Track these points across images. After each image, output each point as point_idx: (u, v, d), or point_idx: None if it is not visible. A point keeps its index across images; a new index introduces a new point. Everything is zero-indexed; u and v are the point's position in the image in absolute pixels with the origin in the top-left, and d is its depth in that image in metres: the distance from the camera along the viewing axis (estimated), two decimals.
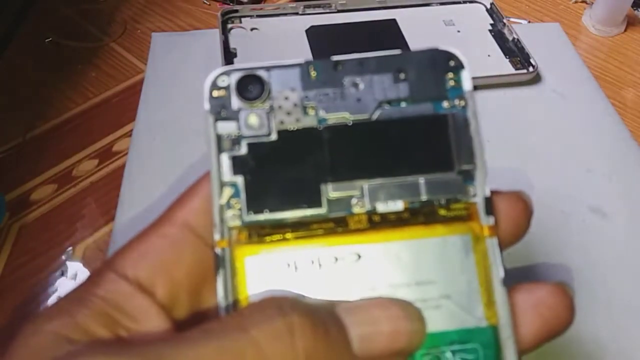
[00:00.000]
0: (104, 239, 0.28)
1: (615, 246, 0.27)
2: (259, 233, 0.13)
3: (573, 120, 0.33)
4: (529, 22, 0.39)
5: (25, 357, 0.11)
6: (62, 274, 0.27)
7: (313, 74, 0.14)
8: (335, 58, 0.14)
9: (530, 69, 0.34)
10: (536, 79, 0.35)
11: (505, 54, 0.36)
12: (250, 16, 0.38)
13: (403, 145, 0.14)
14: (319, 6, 0.38)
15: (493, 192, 0.14)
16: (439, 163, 0.14)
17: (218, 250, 0.13)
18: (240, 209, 0.13)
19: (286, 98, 0.14)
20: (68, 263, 0.27)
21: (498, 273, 0.13)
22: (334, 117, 0.14)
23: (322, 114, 0.14)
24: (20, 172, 0.31)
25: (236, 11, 0.37)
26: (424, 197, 0.14)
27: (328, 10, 0.38)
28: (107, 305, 0.13)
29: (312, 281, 0.13)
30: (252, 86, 0.14)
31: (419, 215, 0.14)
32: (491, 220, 0.14)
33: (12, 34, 0.39)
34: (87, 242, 0.28)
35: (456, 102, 0.14)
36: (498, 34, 0.37)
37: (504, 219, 0.14)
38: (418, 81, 0.14)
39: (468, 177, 0.14)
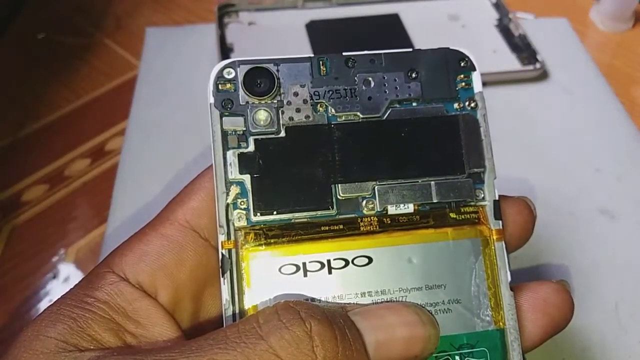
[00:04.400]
0: (97, 240, 0.27)
1: (624, 248, 0.26)
2: (266, 234, 0.13)
3: (581, 118, 0.32)
4: (536, 16, 0.38)
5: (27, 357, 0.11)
6: (54, 277, 0.26)
7: (323, 69, 0.14)
8: (347, 54, 0.14)
9: (537, 65, 0.33)
10: (543, 75, 0.34)
11: (511, 50, 0.35)
12: (248, 10, 0.37)
13: (414, 146, 0.14)
14: None
15: (500, 197, 0.14)
16: (450, 165, 0.14)
17: (224, 252, 0.13)
18: (246, 209, 0.13)
19: (295, 94, 0.13)
20: (60, 265, 0.27)
21: (506, 277, 0.13)
22: (345, 116, 0.14)
23: (332, 111, 0.14)
24: (10, 172, 0.30)
25: (233, 5, 0.36)
26: (434, 200, 0.13)
27: (328, 4, 0.37)
28: (110, 309, 0.12)
29: (322, 285, 0.13)
30: (260, 80, 0.13)
31: (429, 218, 0.13)
32: (499, 224, 0.14)
33: (3, 30, 0.38)
34: (80, 244, 0.27)
35: (467, 103, 0.14)
36: (504, 29, 0.36)
37: (511, 224, 0.14)
38: (429, 81, 0.14)
39: (477, 180, 0.14)
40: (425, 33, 0.35)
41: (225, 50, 0.34)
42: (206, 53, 0.34)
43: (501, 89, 0.33)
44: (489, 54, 0.34)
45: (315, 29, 0.36)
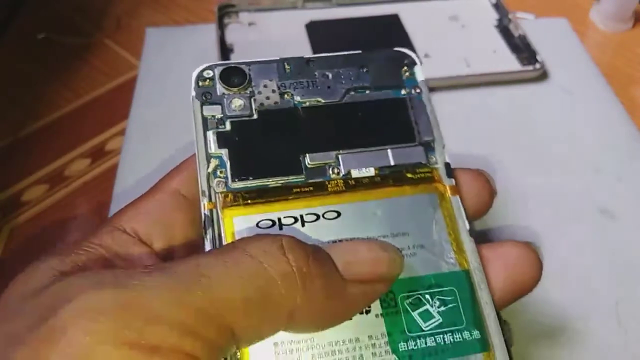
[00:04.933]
0: None
1: (624, 248, 0.26)
2: (244, 197, 0.14)
3: (581, 118, 0.32)
4: (536, 17, 0.38)
5: (20, 287, 0.12)
6: None
7: (287, 67, 0.16)
8: (307, 56, 0.16)
9: (537, 65, 0.33)
10: (543, 75, 0.34)
11: (511, 50, 0.35)
12: (248, 10, 0.37)
13: (370, 123, 0.16)
14: (319, 0, 0.37)
15: (457, 168, 0.16)
16: (403, 136, 0.16)
17: (206, 211, 0.14)
18: (225, 177, 0.14)
19: (265, 86, 0.16)
20: None
21: (464, 225, 0.15)
22: (308, 102, 0.16)
23: (297, 98, 0.16)
24: (10, 172, 0.30)
25: (233, 5, 0.36)
26: (391, 163, 0.15)
27: (328, 4, 0.37)
28: (103, 249, 0.13)
29: (296, 235, 0.14)
30: (234, 76, 0.16)
31: (388, 179, 0.15)
32: (452, 181, 0.15)
33: (3, 30, 0.38)
34: None
35: (412, 90, 0.17)
36: (504, 30, 0.36)
37: (467, 189, 0.16)
38: (379, 74, 0.16)
39: (429, 148, 0.16)
40: (425, 33, 0.35)
41: (225, 51, 0.34)
42: (206, 53, 0.34)
43: (501, 89, 0.33)
44: (489, 54, 0.34)
45: (315, 29, 0.36)
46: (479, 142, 0.30)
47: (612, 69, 0.36)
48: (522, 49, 0.35)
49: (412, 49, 0.34)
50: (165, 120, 0.31)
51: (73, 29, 0.38)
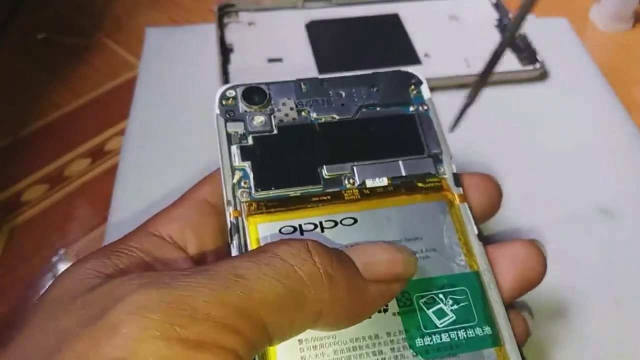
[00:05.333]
0: (97, 240, 0.27)
1: (624, 248, 0.26)
2: (267, 205, 0.15)
3: (581, 118, 0.32)
4: (536, 16, 0.38)
5: (64, 287, 0.13)
6: (54, 277, 0.26)
7: (304, 87, 0.18)
8: (321, 77, 0.18)
9: (537, 65, 0.33)
10: (543, 75, 0.34)
11: (511, 50, 0.35)
12: (248, 10, 0.37)
13: (382, 137, 0.17)
14: (319, 0, 0.37)
15: (468, 173, 0.17)
16: (413, 149, 0.17)
17: (232, 219, 0.15)
18: (249, 188, 0.16)
19: (283, 104, 0.17)
20: (60, 265, 0.27)
21: (473, 230, 0.16)
22: (324, 118, 0.17)
23: (314, 115, 0.17)
24: (10, 172, 0.30)
25: (233, 5, 0.36)
26: (403, 174, 0.16)
27: (328, 4, 0.37)
28: (140, 252, 0.14)
29: (318, 239, 0.14)
30: (255, 95, 0.17)
31: (401, 188, 0.16)
32: (460, 190, 0.17)
33: (3, 30, 0.38)
34: (80, 244, 0.28)
35: (420, 107, 0.18)
36: (504, 29, 0.36)
37: (477, 193, 0.17)
38: (388, 92, 0.18)
39: (437, 159, 0.17)
40: (425, 33, 0.35)
41: (225, 51, 0.34)
42: (206, 53, 0.34)
43: (501, 89, 0.33)
44: (489, 54, 0.34)
45: (315, 29, 0.36)
46: (479, 142, 0.30)
47: (612, 69, 0.36)
48: (522, 48, 0.35)
49: (412, 48, 0.34)
50: (165, 120, 0.31)
51: (73, 29, 0.38)
